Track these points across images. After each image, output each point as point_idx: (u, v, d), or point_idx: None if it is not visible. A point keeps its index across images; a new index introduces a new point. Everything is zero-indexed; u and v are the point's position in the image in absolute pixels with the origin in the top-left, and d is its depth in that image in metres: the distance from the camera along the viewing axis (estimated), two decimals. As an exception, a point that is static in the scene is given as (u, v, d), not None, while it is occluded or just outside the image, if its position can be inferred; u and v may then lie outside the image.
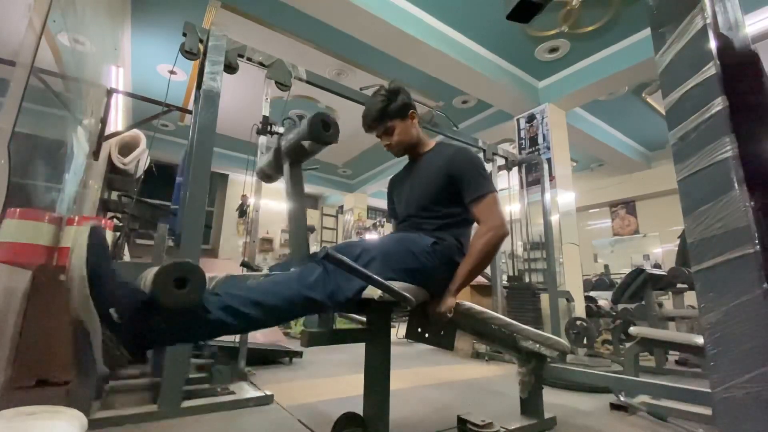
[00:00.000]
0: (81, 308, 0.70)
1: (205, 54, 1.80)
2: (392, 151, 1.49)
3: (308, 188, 8.56)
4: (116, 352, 0.73)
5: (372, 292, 1.04)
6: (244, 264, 1.87)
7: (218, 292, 0.87)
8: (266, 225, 7.69)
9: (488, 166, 3.38)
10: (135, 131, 3.00)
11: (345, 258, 0.90)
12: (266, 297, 0.91)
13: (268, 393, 1.84)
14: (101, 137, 2.60)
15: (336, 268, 0.99)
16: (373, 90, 1.51)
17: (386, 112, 1.38)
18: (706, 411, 1.51)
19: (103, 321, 0.71)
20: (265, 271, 1.26)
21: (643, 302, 3.15)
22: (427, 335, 1.34)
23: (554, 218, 3.73)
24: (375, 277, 0.97)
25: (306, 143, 1.08)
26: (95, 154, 2.55)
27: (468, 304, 1.39)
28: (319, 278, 0.99)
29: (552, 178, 3.95)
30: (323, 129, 1.07)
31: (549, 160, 4.03)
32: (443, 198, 1.34)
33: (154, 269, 0.78)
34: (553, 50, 3.84)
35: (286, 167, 1.21)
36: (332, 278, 1.00)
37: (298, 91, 4.43)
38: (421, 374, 2.66)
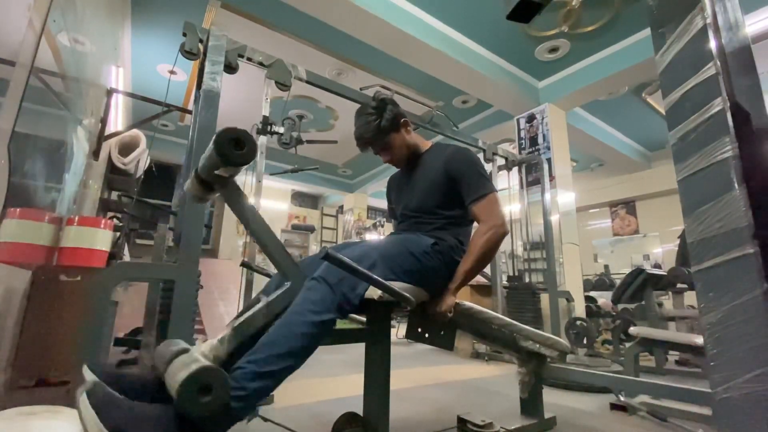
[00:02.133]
0: None
1: (205, 54, 1.79)
2: (394, 164, 1.49)
3: (308, 188, 8.57)
4: None
5: (372, 292, 1.04)
6: (244, 264, 1.87)
7: (241, 365, 0.85)
8: (266, 225, 7.67)
9: (488, 166, 3.38)
10: (135, 131, 3.00)
11: (345, 258, 0.90)
12: (286, 345, 0.89)
13: (268, 393, 1.84)
14: (101, 137, 2.60)
15: (339, 281, 0.99)
16: (371, 90, 1.49)
17: (380, 130, 1.35)
18: (706, 411, 1.51)
19: None
20: (263, 298, 1.19)
21: (643, 302, 3.15)
22: (427, 335, 1.34)
23: (554, 218, 3.73)
24: (375, 277, 0.97)
25: (219, 171, 0.91)
26: (95, 154, 2.55)
27: (468, 304, 1.39)
28: (324, 297, 0.98)
29: (552, 178, 3.95)
30: (234, 148, 0.87)
31: (549, 160, 4.03)
32: (443, 199, 1.34)
33: (171, 363, 0.76)
34: (553, 50, 3.84)
35: (218, 189, 1.01)
36: (336, 292, 0.99)
37: (298, 91, 4.43)
38: (421, 374, 2.66)
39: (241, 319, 0.95)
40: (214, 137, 0.89)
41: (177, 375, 0.73)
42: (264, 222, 1.02)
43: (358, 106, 1.48)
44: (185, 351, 0.81)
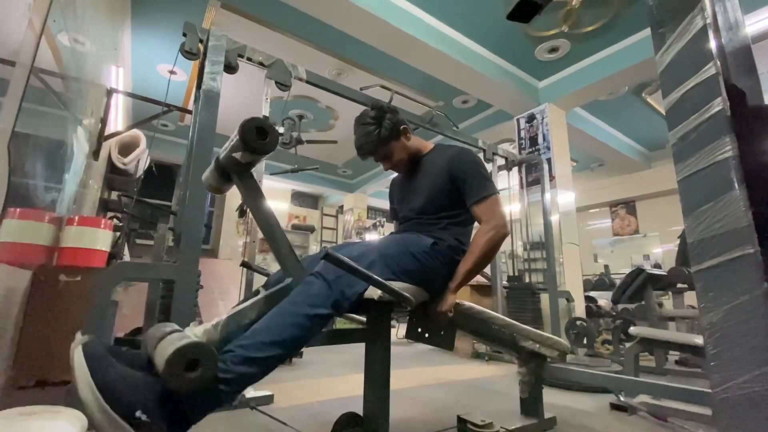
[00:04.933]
0: (109, 426, 0.68)
1: (205, 54, 1.79)
2: (395, 171, 1.50)
3: (308, 188, 8.56)
4: None
5: (372, 292, 1.04)
6: (244, 264, 1.87)
7: (231, 348, 0.86)
8: (266, 225, 7.67)
9: (488, 166, 3.38)
10: (135, 131, 3.00)
11: (344, 258, 0.91)
12: (277, 333, 0.89)
13: (268, 393, 1.85)
14: (101, 137, 2.60)
15: (336, 278, 0.99)
16: (371, 90, 1.49)
17: (380, 139, 1.35)
18: (706, 411, 1.51)
19: (134, 426, 0.69)
20: (262, 291, 1.19)
21: (643, 302, 3.15)
22: (427, 335, 1.34)
23: (554, 218, 3.73)
24: (375, 277, 0.97)
25: (238, 155, 0.93)
26: (95, 154, 2.55)
27: (468, 304, 1.39)
28: (320, 292, 0.98)
29: (552, 178, 3.95)
30: (258, 137, 0.90)
31: (549, 160, 4.03)
32: (444, 200, 1.34)
33: (161, 340, 0.76)
34: (553, 50, 3.84)
35: (235, 179, 1.04)
36: (334, 288, 0.99)
37: (298, 91, 4.43)
38: (421, 374, 2.66)
39: (238, 308, 0.96)
40: (240, 125, 0.90)
41: (166, 350, 0.73)
42: (275, 217, 1.04)
43: (358, 106, 1.48)
44: (176, 331, 0.82)
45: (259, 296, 1.00)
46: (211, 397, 0.81)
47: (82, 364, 0.69)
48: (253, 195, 1.02)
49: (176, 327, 0.85)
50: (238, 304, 1.05)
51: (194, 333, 0.86)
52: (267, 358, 0.86)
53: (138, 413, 0.70)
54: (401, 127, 1.39)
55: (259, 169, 2.20)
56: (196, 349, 0.74)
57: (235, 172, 1.00)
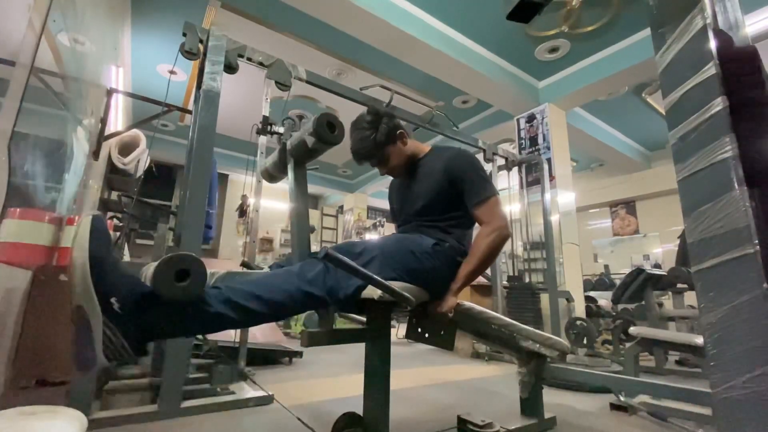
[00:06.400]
0: (82, 296, 0.70)
1: (205, 54, 1.80)
2: (392, 175, 1.49)
3: (308, 188, 8.57)
4: (117, 344, 0.73)
5: (372, 292, 1.04)
6: (244, 264, 1.87)
7: (219, 286, 0.88)
8: (266, 225, 7.69)
9: (488, 166, 3.38)
10: (135, 131, 2.99)
11: (345, 258, 0.90)
12: (266, 291, 0.91)
13: (268, 393, 1.84)
14: (101, 137, 2.59)
15: (336, 267, 0.99)
16: (371, 90, 1.50)
17: (375, 144, 1.34)
18: (706, 411, 1.51)
19: (104, 311, 0.71)
20: (266, 269, 1.26)
21: (643, 302, 3.15)
22: (427, 335, 1.34)
23: (554, 218, 3.73)
24: (375, 277, 0.96)
25: (309, 141, 1.10)
26: (95, 154, 2.55)
27: (468, 304, 1.39)
28: (319, 274, 0.99)
29: (552, 178, 3.95)
30: (328, 129, 1.08)
31: (549, 160, 4.03)
32: (444, 202, 1.34)
33: (155, 263, 0.78)
34: (553, 50, 3.84)
35: (290, 167, 1.23)
36: (332, 275, 1.01)
37: (298, 91, 4.42)
38: (421, 374, 2.66)
39: (240, 270, 1.05)
40: (315, 118, 1.08)
41: (157, 263, 0.76)
42: (307, 210, 1.24)
43: (358, 106, 1.48)
44: None
45: (263, 270, 1.10)
46: (183, 322, 0.82)
47: (86, 230, 0.71)
48: (301, 183, 1.23)
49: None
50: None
51: None
52: (249, 310, 0.88)
53: (113, 300, 0.72)
54: (397, 131, 1.38)
55: (259, 169, 2.21)
56: (188, 259, 0.77)
57: (298, 158, 1.21)
